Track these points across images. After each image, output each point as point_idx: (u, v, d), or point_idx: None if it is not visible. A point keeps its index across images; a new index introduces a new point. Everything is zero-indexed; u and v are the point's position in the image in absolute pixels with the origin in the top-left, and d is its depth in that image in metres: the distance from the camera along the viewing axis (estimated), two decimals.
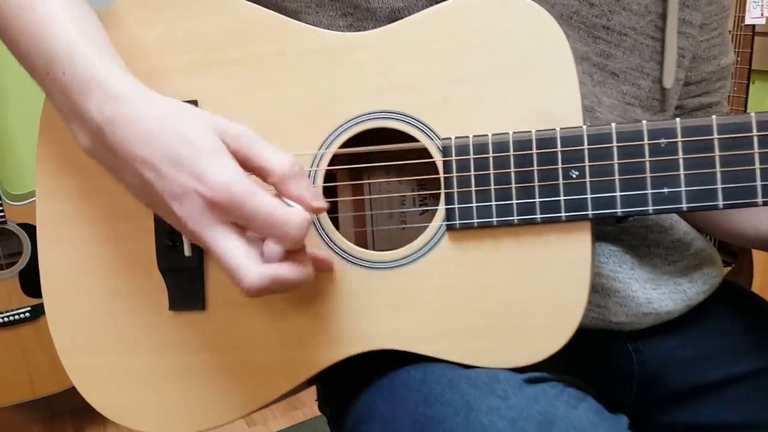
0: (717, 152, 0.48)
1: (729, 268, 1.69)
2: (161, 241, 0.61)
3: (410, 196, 0.63)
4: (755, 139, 0.48)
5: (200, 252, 0.60)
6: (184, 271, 0.60)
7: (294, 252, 0.50)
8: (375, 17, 0.61)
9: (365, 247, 0.59)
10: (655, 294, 0.66)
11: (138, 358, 0.62)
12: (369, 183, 0.61)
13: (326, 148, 0.57)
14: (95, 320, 0.63)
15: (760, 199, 0.48)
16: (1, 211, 1.60)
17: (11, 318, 1.66)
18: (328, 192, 0.58)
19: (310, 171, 0.57)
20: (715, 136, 0.48)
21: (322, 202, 0.50)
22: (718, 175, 0.48)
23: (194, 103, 0.60)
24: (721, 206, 0.49)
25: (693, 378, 0.68)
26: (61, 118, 0.55)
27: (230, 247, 0.47)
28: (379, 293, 0.56)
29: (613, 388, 0.68)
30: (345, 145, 0.57)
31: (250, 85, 0.59)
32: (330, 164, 0.58)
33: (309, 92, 0.58)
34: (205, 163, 0.48)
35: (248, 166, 0.50)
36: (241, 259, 0.47)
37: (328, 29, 0.62)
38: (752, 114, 0.48)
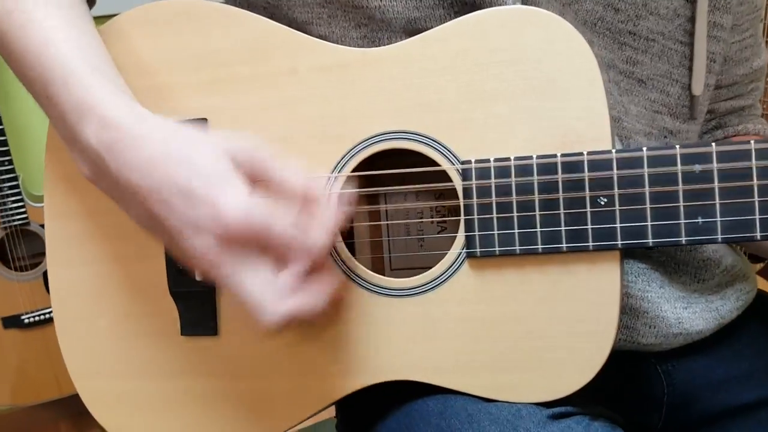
0: (755, 180, 0.45)
1: (761, 265, 1.64)
2: (172, 265, 0.59)
3: (428, 221, 0.60)
4: None
5: None
6: (196, 296, 0.58)
7: (311, 277, 0.48)
8: (390, 28, 0.58)
9: (382, 273, 0.57)
10: (685, 313, 0.63)
11: (150, 382, 0.60)
12: (386, 208, 0.59)
13: (340, 171, 0.55)
14: (107, 343, 0.61)
15: None
16: (24, 212, 1.60)
17: (37, 318, 1.67)
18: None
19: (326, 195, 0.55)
20: (754, 162, 0.45)
21: (342, 215, 0.48)
22: (756, 205, 0.45)
23: (204, 121, 0.58)
24: (758, 237, 0.46)
25: (725, 400, 0.65)
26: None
27: (253, 283, 0.45)
28: (398, 322, 0.54)
29: (641, 412, 0.65)
30: (360, 166, 0.55)
31: (262, 103, 0.57)
32: (344, 187, 0.55)
33: (322, 111, 0.55)
34: (220, 195, 0.45)
35: (262, 184, 0.48)
36: (263, 296, 0.45)
37: (341, 41, 0.59)
38: None
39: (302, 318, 0.47)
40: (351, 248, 0.61)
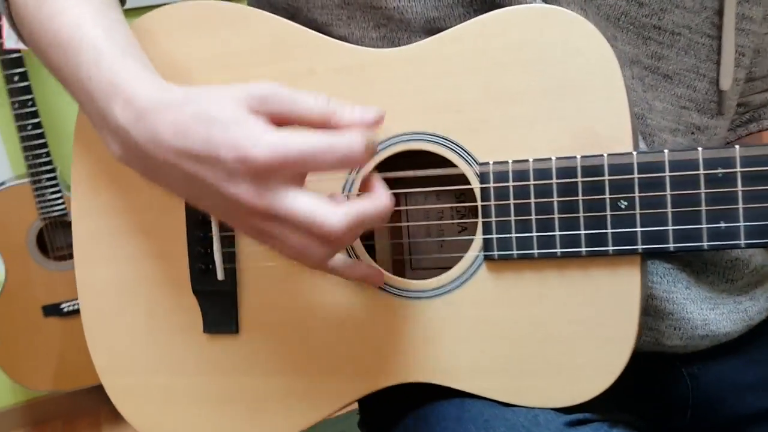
0: None
1: None
2: (194, 264, 0.60)
3: (449, 223, 0.60)
4: None
5: (233, 275, 0.59)
6: (218, 294, 0.59)
7: (368, 185, 0.48)
8: (409, 28, 0.57)
9: (402, 273, 0.57)
10: (712, 315, 0.62)
11: (173, 378, 0.61)
12: (406, 208, 0.59)
13: (357, 173, 0.55)
14: (132, 339, 0.63)
15: None
16: (62, 203, 1.64)
17: (75, 307, 1.71)
18: None
19: (344, 196, 0.55)
20: None
21: (372, 114, 0.47)
22: None
23: None
24: None
25: (753, 404, 0.63)
26: (94, 129, 0.54)
27: (302, 203, 0.45)
28: (416, 324, 0.53)
29: (666, 415, 0.64)
30: (378, 167, 0.55)
31: None
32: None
33: None
34: (239, 133, 0.45)
35: (289, 122, 0.47)
36: (318, 207, 0.44)
37: (360, 42, 0.59)
38: None
39: (372, 223, 0.46)
40: (371, 249, 0.61)
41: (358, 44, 0.59)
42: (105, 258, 0.63)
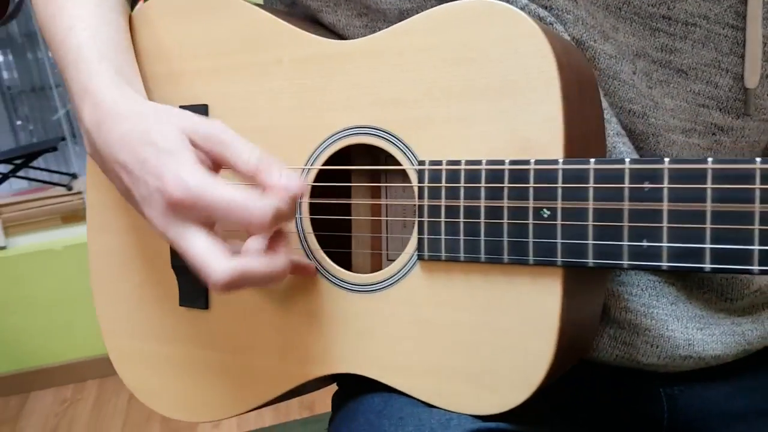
0: (709, 204, 0.40)
1: None
2: None
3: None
4: (757, 193, 0.38)
5: None
6: (192, 271, 0.62)
7: (271, 245, 0.49)
8: (386, 18, 0.57)
9: (379, 266, 0.57)
10: (699, 335, 0.57)
11: (155, 345, 0.66)
12: (386, 204, 0.58)
13: (313, 162, 0.55)
14: (127, 306, 0.67)
15: (756, 267, 0.39)
16: None
17: None
18: (317, 208, 0.57)
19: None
20: (709, 184, 0.40)
21: (295, 184, 0.48)
22: (708, 233, 0.40)
23: (204, 107, 0.61)
24: (707, 269, 0.40)
25: None
26: None
27: (196, 245, 0.47)
28: (353, 317, 0.54)
29: None
30: (333, 158, 0.55)
31: (252, 92, 0.59)
32: (318, 180, 0.56)
33: (301, 102, 0.56)
34: (166, 164, 0.48)
35: (223, 165, 0.50)
36: (207, 254, 0.47)
37: (346, 29, 0.59)
38: (757, 160, 0.39)
39: (256, 283, 0.48)
40: (347, 240, 0.62)
41: (344, 31, 0.60)
42: (109, 227, 0.68)
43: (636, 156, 0.55)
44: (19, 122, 2.63)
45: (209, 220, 0.48)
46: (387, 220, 0.61)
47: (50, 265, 2.10)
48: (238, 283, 0.47)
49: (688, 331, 0.57)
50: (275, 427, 1.92)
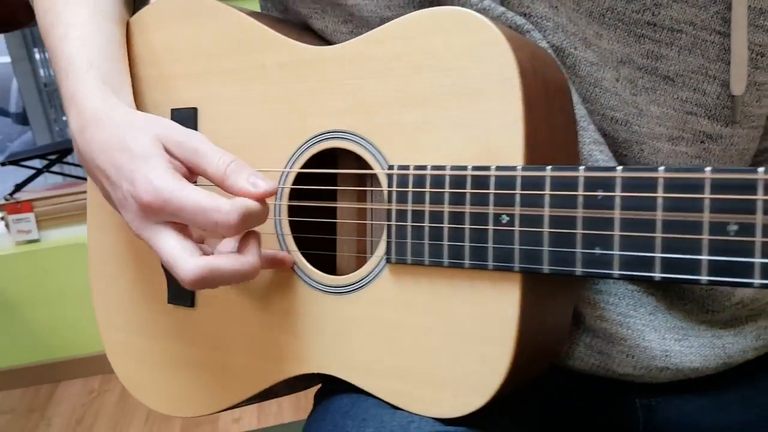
0: (659, 213, 0.40)
1: None
2: None
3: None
4: (706, 203, 0.38)
5: None
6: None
7: (241, 246, 0.51)
8: (369, 25, 0.58)
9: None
10: (676, 346, 0.56)
11: (145, 340, 0.68)
12: (371, 207, 0.59)
13: (292, 165, 0.57)
14: (121, 302, 0.70)
15: (704, 277, 0.39)
16: None
17: None
18: (296, 210, 0.58)
19: (278, 189, 0.57)
20: (660, 193, 0.40)
21: (265, 185, 0.49)
22: (658, 242, 0.40)
23: (194, 110, 0.62)
24: (657, 278, 0.40)
25: None
26: None
27: (167, 244, 0.49)
28: (326, 318, 0.55)
29: None
30: (310, 161, 0.56)
31: (237, 96, 0.60)
32: (297, 183, 0.57)
33: (281, 106, 0.57)
34: (138, 170, 0.50)
35: (196, 172, 0.52)
36: (177, 252, 0.49)
37: (333, 35, 0.60)
38: (707, 169, 0.38)
39: (226, 280, 0.49)
40: (329, 242, 0.63)
41: (332, 36, 0.61)
42: (107, 226, 0.71)
43: (614, 164, 0.55)
44: (54, 119, 2.71)
45: (179, 221, 0.50)
46: (370, 224, 0.61)
47: (81, 258, 2.15)
48: (205, 281, 0.48)
49: (665, 342, 0.56)
50: (294, 424, 1.95)
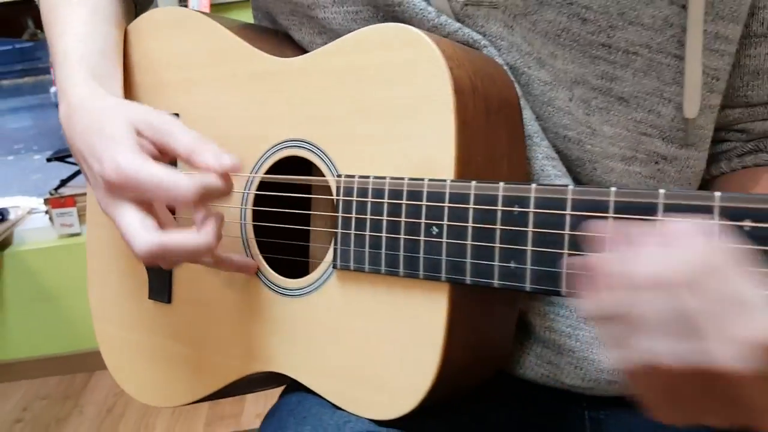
0: (567, 230, 0.41)
1: None
2: None
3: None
4: (610, 222, 0.39)
5: None
6: (159, 267, 0.68)
7: (198, 224, 0.53)
8: (340, 37, 0.60)
9: None
10: None
11: (128, 333, 0.71)
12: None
13: (257, 171, 0.59)
14: (110, 295, 0.74)
15: None
16: None
17: None
18: (261, 215, 0.61)
19: (243, 193, 0.60)
20: (568, 211, 0.41)
21: (229, 160, 0.52)
22: (565, 258, 0.41)
23: (176, 116, 0.66)
24: (563, 293, 0.41)
25: None
26: None
27: (126, 220, 0.52)
28: (280, 319, 0.57)
29: None
30: (272, 168, 0.59)
31: (213, 103, 0.63)
32: (262, 188, 0.60)
33: (250, 113, 0.60)
34: (106, 150, 0.53)
35: (165, 152, 0.55)
36: (133, 228, 0.52)
37: (310, 46, 0.63)
38: (611, 190, 0.39)
39: (179, 255, 0.52)
40: (295, 248, 0.65)
41: (309, 47, 0.63)
42: (101, 223, 0.75)
43: (567, 180, 0.56)
44: None
45: (143, 198, 0.53)
46: (320, 231, 0.63)
47: None
48: (157, 255, 0.51)
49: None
50: None
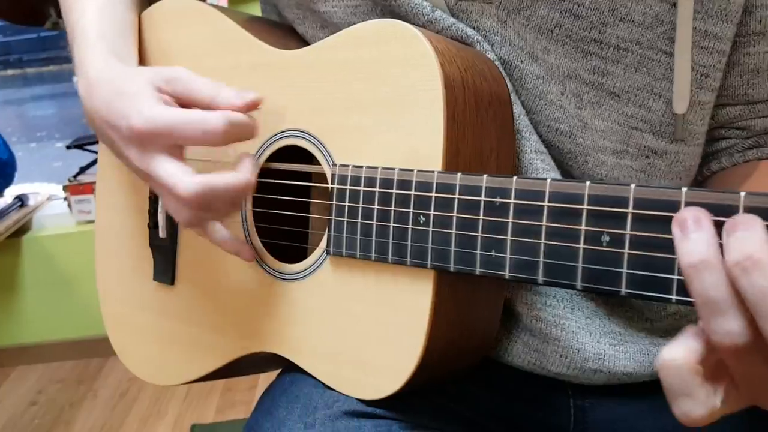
0: (545, 221, 0.43)
1: None
2: (150, 221, 0.71)
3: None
4: (584, 213, 0.41)
5: (175, 234, 0.70)
6: (162, 249, 0.70)
7: (236, 165, 0.56)
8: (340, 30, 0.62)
9: None
10: (611, 350, 0.59)
11: (134, 313, 0.74)
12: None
13: (258, 158, 0.62)
14: (116, 276, 0.76)
15: (578, 283, 0.41)
16: None
17: None
18: (261, 202, 0.63)
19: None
20: (546, 202, 0.43)
21: (252, 95, 0.54)
22: (542, 248, 0.43)
23: None
24: (540, 281, 0.43)
25: None
26: None
27: (165, 168, 0.54)
28: (277, 302, 0.60)
29: None
30: (273, 156, 0.61)
31: None
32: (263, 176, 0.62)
33: None
34: (131, 105, 0.55)
35: (188, 102, 0.57)
36: (175, 174, 0.53)
37: (312, 39, 0.65)
38: (586, 184, 0.41)
39: (223, 196, 0.54)
40: (305, 236, 0.68)
41: (312, 40, 0.65)
42: (113, 206, 0.77)
43: (555, 173, 0.58)
44: None
45: (175, 146, 0.55)
46: (317, 218, 0.65)
47: None
48: (205, 197, 0.52)
49: (599, 345, 0.59)
50: None
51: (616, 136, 0.57)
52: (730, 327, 0.35)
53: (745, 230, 0.34)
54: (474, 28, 0.57)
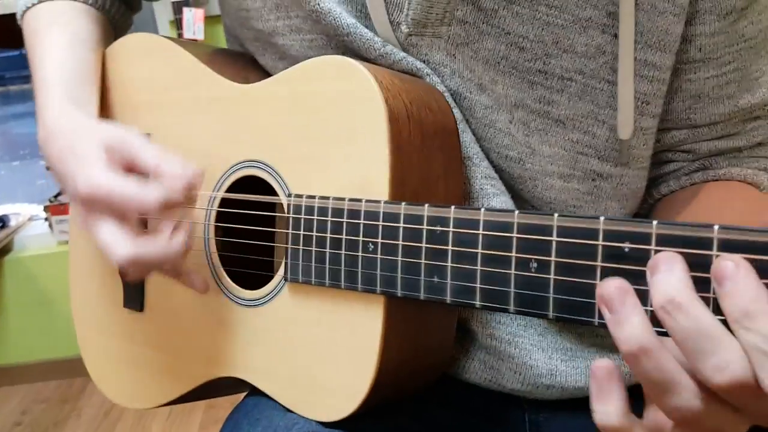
0: (480, 248, 0.45)
1: None
2: None
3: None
4: (514, 241, 0.44)
5: None
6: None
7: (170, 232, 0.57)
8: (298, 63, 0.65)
9: None
10: (562, 366, 0.61)
11: (105, 339, 0.76)
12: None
13: (219, 189, 0.64)
14: (90, 301, 0.78)
15: (512, 307, 0.44)
16: None
17: None
18: (224, 231, 0.65)
19: (206, 210, 0.65)
20: (480, 231, 0.45)
21: (191, 169, 0.56)
22: (478, 274, 0.45)
23: (147, 136, 0.71)
24: (477, 306, 0.46)
25: None
26: None
27: (103, 232, 0.56)
28: (238, 328, 0.62)
29: None
30: (233, 186, 0.63)
31: (180, 125, 0.68)
32: (223, 205, 0.64)
33: (211, 135, 0.65)
34: (79, 168, 0.58)
35: (133, 167, 0.59)
36: (110, 242, 0.56)
37: (272, 70, 0.68)
38: (515, 212, 0.44)
39: (152, 261, 0.56)
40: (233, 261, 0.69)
41: (272, 71, 0.68)
42: (82, 233, 0.79)
43: (506, 197, 0.61)
44: None
45: (116, 211, 0.57)
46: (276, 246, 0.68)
47: None
48: (136, 264, 0.56)
49: (551, 361, 0.61)
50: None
51: (563, 161, 0.60)
52: (679, 403, 0.37)
53: (666, 271, 0.37)
54: (424, 62, 0.60)
